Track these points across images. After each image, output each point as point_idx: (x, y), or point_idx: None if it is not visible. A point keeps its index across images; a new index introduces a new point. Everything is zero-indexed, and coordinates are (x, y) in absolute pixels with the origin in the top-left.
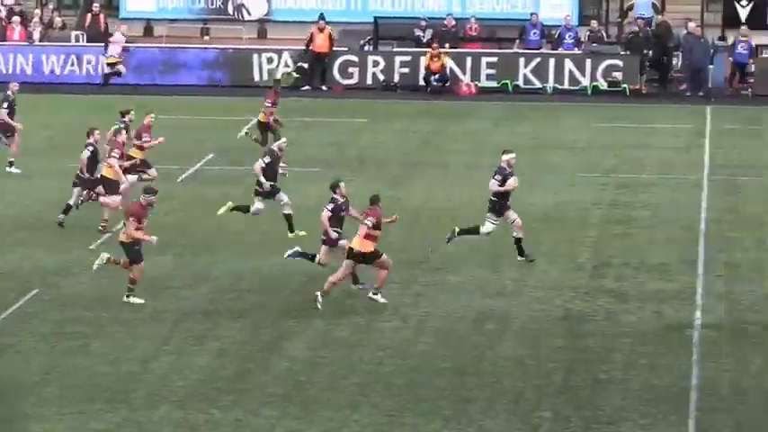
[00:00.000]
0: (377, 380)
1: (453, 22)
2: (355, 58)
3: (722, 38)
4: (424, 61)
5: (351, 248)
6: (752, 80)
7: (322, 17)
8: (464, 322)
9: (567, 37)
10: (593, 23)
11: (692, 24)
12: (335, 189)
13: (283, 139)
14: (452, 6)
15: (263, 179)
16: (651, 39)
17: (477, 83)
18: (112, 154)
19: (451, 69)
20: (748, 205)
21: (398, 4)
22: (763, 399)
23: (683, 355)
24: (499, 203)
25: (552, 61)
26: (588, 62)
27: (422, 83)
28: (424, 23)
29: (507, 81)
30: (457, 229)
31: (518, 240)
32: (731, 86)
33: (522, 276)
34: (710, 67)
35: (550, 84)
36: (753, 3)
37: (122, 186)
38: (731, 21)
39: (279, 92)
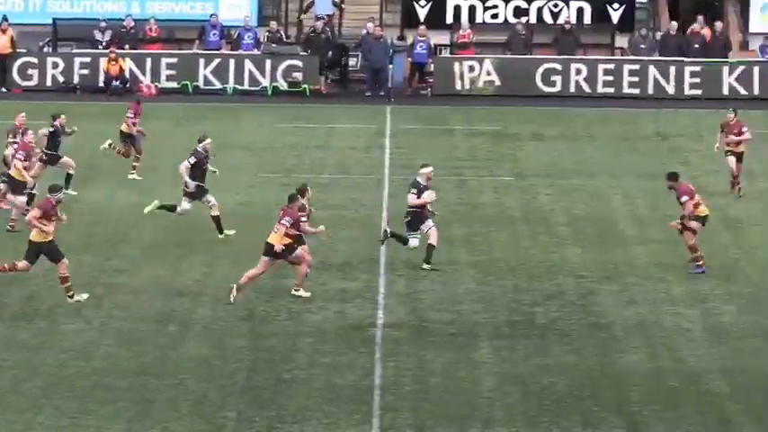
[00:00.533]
0: (59, 382)
1: (132, 24)
2: (35, 60)
3: (401, 37)
4: (103, 64)
5: (268, 244)
6: (431, 80)
7: (5, 18)
8: (146, 323)
9: (246, 37)
10: (273, 24)
11: (370, 24)
12: (303, 194)
13: (208, 140)
14: (131, 8)
15: (187, 179)
16: (331, 39)
17: (157, 84)
18: (17, 156)
19: (131, 70)
20: None
21: (77, 5)
22: (444, 396)
23: (365, 354)
24: (417, 215)
25: (232, 62)
26: (268, 63)
27: (102, 84)
28: (103, 25)
29: (187, 82)
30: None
31: (431, 248)
32: (410, 86)
33: (204, 277)
34: (390, 66)
35: (231, 84)
36: (431, 2)
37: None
38: (410, 20)
39: (140, 103)
